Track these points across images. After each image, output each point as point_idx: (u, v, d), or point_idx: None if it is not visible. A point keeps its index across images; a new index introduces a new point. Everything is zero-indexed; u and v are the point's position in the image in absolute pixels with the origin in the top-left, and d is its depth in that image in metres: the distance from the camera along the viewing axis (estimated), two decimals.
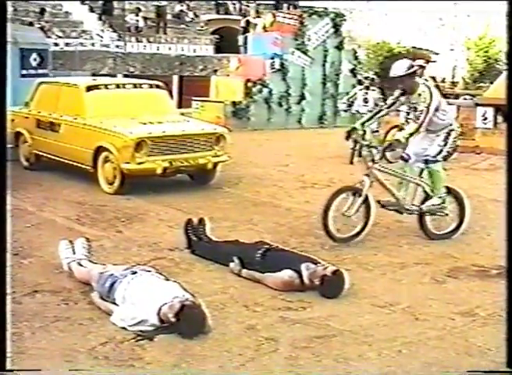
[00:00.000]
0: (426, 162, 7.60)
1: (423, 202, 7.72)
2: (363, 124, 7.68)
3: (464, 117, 15.34)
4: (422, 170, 7.70)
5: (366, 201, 7.37)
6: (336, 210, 7.27)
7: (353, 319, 5.33)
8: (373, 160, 7.44)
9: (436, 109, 7.47)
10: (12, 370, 4.22)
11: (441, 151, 7.61)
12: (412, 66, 7.51)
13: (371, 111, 13.58)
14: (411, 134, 7.51)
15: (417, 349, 4.81)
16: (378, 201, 7.60)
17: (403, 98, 7.65)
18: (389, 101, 7.82)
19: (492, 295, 5.78)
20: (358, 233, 7.47)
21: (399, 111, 13.88)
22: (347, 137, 7.72)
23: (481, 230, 8.15)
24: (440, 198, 7.68)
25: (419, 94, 7.46)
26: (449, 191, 7.84)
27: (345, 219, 7.35)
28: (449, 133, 7.65)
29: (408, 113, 7.74)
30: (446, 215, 7.79)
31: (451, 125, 7.72)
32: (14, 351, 4.55)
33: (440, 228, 7.84)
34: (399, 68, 7.50)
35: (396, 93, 7.67)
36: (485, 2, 27.76)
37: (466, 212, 7.83)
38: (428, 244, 7.58)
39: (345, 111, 15.79)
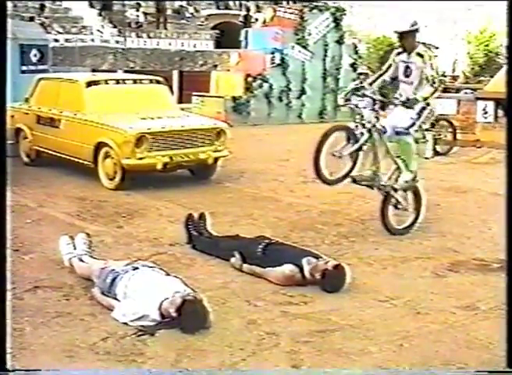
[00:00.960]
0: (397, 133, 7.41)
1: (396, 180, 7.55)
2: (370, 84, 7.59)
3: (465, 111, 15.33)
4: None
5: (358, 151, 7.19)
6: (329, 148, 7.00)
7: (354, 314, 5.34)
8: (377, 117, 7.28)
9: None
10: (12, 370, 4.22)
11: (413, 124, 7.39)
12: (416, 23, 7.38)
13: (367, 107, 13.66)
14: (428, 97, 7.28)
15: (418, 343, 4.81)
16: (351, 177, 7.35)
17: (402, 56, 7.50)
18: (387, 63, 7.71)
19: (493, 289, 5.78)
20: (346, 175, 7.26)
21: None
22: (346, 99, 7.59)
23: (482, 223, 8.15)
24: (411, 172, 7.52)
25: (418, 54, 7.34)
26: None
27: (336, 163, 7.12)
28: (424, 108, 7.39)
29: (406, 70, 7.43)
30: (406, 210, 7.69)
31: (428, 101, 7.43)
32: (16, 347, 4.56)
33: (400, 222, 7.71)
34: (403, 24, 7.40)
35: (393, 54, 7.63)
36: None
37: (422, 207, 7.73)
38: (429, 238, 7.58)
39: (343, 105, 15.76)
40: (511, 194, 4.37)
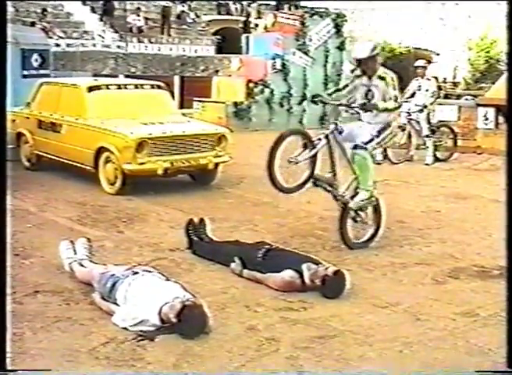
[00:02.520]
0: (355, 147, 7.21)
1: (352, 198, 7.34)
2: (329, 95, 7.58)
3: (466, 117, 15.37)
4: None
5: (314, 157, 7.07)
6: (282, 155, 6.86)
7: (354, 320, 5.34)
8: (336, 123, 7.22)
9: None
10: (12, 370, 4.22)
11: (371, 140, 7.23)
12: (375, 48, 7.30)
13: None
14: (390, 109, 7.18)
15: (418, 349, 4.81)
16: (313, 176, 7.22)
17: (363, 80, 7.36)
18: (347, 81, 7.66)
19: (493, 296, 5.78)
20: (304, 183, 7.13)
21: (400, 112, 13.96)
22: (314, 101, 7.55)
23: (482, 230, 8.15)
24: (368, 191, 7.31)
25: (380, 77, 7.23)
26: None
27: (292, 170, 6.96)
28: (385, 128, 7.31)
29: (367, 94, 7.29)
30: (365, 223, 7.48)
31: (390, 122, 7.38)
32: (15, 352, 4.56)
33: (359, 237, 7.46)
34: (362, 50, 7.30)
35: (356, 72, 7.52)
36: (487, 3, 27.78)
37: (382, 219, 7.54)
38: (429, 245, 7.59)
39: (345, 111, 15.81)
40: (511, 200, 4.37)
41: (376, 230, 7.51)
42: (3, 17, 4.51)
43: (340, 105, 7.34)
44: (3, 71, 4.69)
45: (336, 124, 7.23)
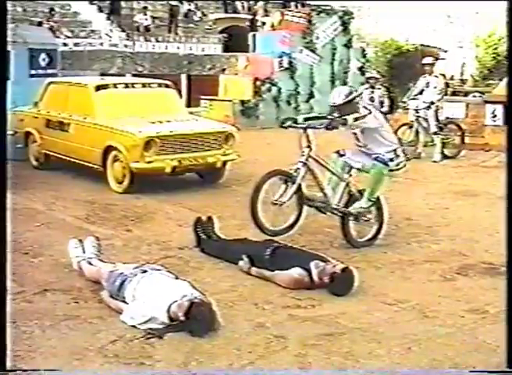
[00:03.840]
0: (376, 159, 7.22)
1: (347, 204, 7.31)
2: (306, 120, 7.42)
3: (473, 115, 15.33)
4: (350, 169, 7.35)
5: (299, 191, 7.02)
6: (265, 196, 6.87)
7: (362, 317, 5.34)
8: (309, 146, 7.11)
9: (382, 129, 7.34)
10: (12, 370, 4.23)
11: (392, 159, 7.25)
12: (351, 93, 7.21)
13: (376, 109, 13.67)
14: (357, 119, 7.07)
15: (426, 346, 4.81)
16: (305, 197, 7.20)
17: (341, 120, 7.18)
18: (326, 120, 7.35)
19: (502, 293, 5.76)
20: (292, 226, 7.13)
21: (407, 109, 13.94)
22: (283, 126, 7.44)
23: (491, 227, 8.13)
24: (371, 201, 7.30)
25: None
26: None
27: (277, 210, 6.93)
28: (397, 155, 7.32)
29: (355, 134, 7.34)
30: (369, 221, 7.46)
31: (396, 151, 7.36)
32: (24, 350, 4.58)
33: (362, 235, 7.46)
34: (338, 96, 7.18)
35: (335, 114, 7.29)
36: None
37: (384, 216, 7.53)
38: (438, 242, 7.58)
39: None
40: (511, 196, 4.36)
41: (379, 228, 7.50)
42: (3, 17, 4.51)
43: (308, 127, 7.14)
44: (3, 72, 4.71)
45: (310, 147, 7.11)
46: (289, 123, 7.39)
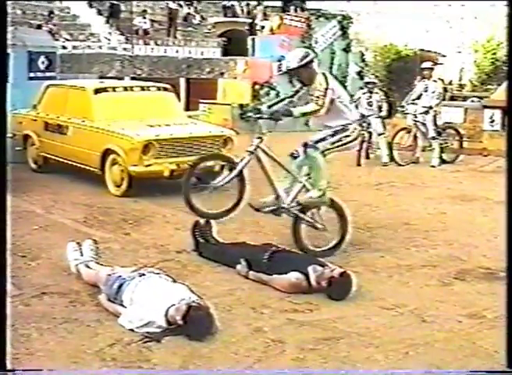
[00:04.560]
0: (304, 145, 6.98)
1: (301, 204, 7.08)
2: (269, 107, 7.22)
3: (472, 119, 15.34)
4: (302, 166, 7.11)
5: (241, 177, 6.90)
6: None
7: (360, 321, 5.34)
8: (260, 137, 6.96)
9: (338, 101, 6.97)
10: (12, 370, 4.23)
11: (324, 138, 6.97)
12: (307, 56, 6.97)
13: (374, 114, 13.70)
14: (309, 113, 6.96)
15: (424, 351, 4.82)
16: (250, 205, 7.07)
17: (303, 90, 7.12)
18: (290, 93, 7.35)
19: (500, 297, 5.76)
20: (230, 210, 6.99)
21: (406, 114, 13.95)
22: (242, 116, 7.32)
23: (489, 232, 8.14)
24: (320, 190, 6.95)
25: (320, 84, 6.91)
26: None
27: (217, 194, 6.85)
28: (343, 129, 6.98)
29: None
30: (325, 229, 7.13)
31: (349, 124, 7.04)
32: (22, 353, 4.59)
33: (318, 244, 7.13)
34: (292, 59, 6.99)
35: (297, 85, 7.25)
36: (493, 4, 27.74)
37: (348, 225, 7.19)
38: (435, 247, 7.58)
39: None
40: (511, 202, 4.37)
41: (342, 238, 7.18)
42: (3, 20, 4.51)
43: (261, 117, 7.01)
44: (3, 74, 4.71)
45: (261, 138, 6.96)
46: (249, 114, 7.25)
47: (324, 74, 7.04)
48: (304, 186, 7.09)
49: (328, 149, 7.03)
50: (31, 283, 6.07)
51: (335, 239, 7.18)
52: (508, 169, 4.50)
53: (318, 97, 6.86)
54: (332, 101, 6.91)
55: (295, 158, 7.10)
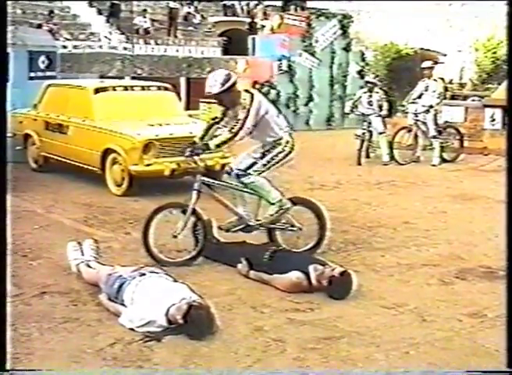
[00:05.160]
0: (237, 176, 6.86)
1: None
2: (202, 138, 7.02)
3: (472, 118, 15.35)
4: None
5: (197, 220, 6.75)
6: (157, 229, 6.64)
7: (360, 321, 5.34)
8: (202, 173, 6.85)
9: (267, 116, 6.77)
10: (12, 370, 4.24)
11: (253, 164, 6.83)
12: (228, 79, 6.64)
13: (375, 113, 13.69)
14: (224, 142, 6.75)
15: (424, 350, 4.81)
16: (219, 227, 7.00)
17: (230, 113, 6.89)
18: (219, 114, 7.08)
19: (500, 296, 5.76)
20: (194, 257, 6.74)
21: (406, 113, 13.95)
22: (188, 155, 6.90)
23: (489, 231, 8.13)
24: (274, 204, 6.85)
25: (241, 104, 6.70)
26: (303, 202, 7.10)
27: (176, 242, 6.70)
28: (273, 146, 6.85)
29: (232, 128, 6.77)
30: (300, 230, 6.97)
31: (280, 139, 6.89)
32: (23, 353, 4.58)
33: (296, 246, 6.97)
34: (213, 84, 6.65)
35: (220, 110, 7.01)
36: (494, 3, 27.73)
37: (326, 225, 7.02)
38: (436, 246, 7.58)
39: (348, 113, 15.95)
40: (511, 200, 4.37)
41: (320, 238, 7.05)
42: (3, 19, 4.51)
43: (189, 155, 6.85)
44: (4, 73, 4.71)
45: (202, 173, 6.87)
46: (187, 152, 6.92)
47: (248, 92, 6.79)
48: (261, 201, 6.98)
49: (263, 171, 6.89)
50: (32, 282, 6.07)
51: (312, 239, 7.07)
52: (508, 167, 4.51)
53: (236, 121, 6.65)
54: (260, 118, 6.69)
55: (229, 173, 6.97)
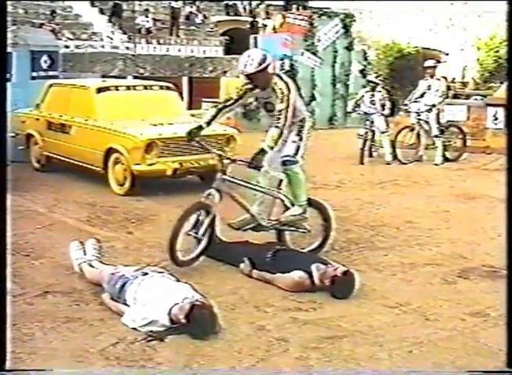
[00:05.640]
0: (284, 163, 6.63)
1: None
2: (208, 123, 6.87)
3: (475, 117, 15.34)
4: (281, 181, 6.74)
5: (213, 220, 6.51)
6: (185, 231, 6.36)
7: (363, 320, 5.33)
8: (223, 171, 6.59)
9: (295, 104, 6.57)
10: (11, 370, 4.24)
11: (298, 148, 6.63)
12: (265, 59, 6.41)
13: (377, 112, 13.68)
14: (277, 140, 6.37)
15: (427, 350, 4.81)
16: (230, 225, 6.79)
17: (254, 92, 6.68)
18: (235, 96, 6.79)
19: (503, 296, 5.75)
20: (199, 255, 6.54)
21: (409, 112, 13.93)
22: (191, 139, 6.87)
23: (492, 230, 8.12)
24: (301, 206, 6.74)
25: (273, 89, 6.48)
26: (311, 203, 6.93)
27: (189, 241, 6.49)
28: (302, 126, 6.68)
29: (267, 110, 6.65)
30: (309, 231, 6.95)
31: (303, 117, 6.75)
32: (26, 352, 4.58)
33: (302, 247, 6.97)
34: (249, 64, 6.36)
35: (244, 87, 6.71)
36: (496, 2, 27.69)
37: (332, 226, 7.01)
38: (439, 245, 7.57)
39: (350, 112, 15.95)
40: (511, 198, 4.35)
41: (325, 237, 7.05)
42: (3, 18, 4.51)
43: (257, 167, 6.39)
44: (3, 73, 4.70)
45: (224, 170, 6.61)
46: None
47: (281, 79, 6.59)
48: (283, 201, 6.84)
49: (302, 157, 6.76)
50: (34, 282, 6.07)
51: (318, 239, 7.06)
52: (509, 167, 4.48)
53: (279, 113, 6.38)
54: (295, 107, 6.52)
55: (256, 169, 6.44)
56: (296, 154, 6.68)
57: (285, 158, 6.66)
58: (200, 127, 6.87)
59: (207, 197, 6.48)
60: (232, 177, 6.67)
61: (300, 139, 6.71)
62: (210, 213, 6.45)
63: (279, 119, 6.36)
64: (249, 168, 6.40)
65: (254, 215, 6.79)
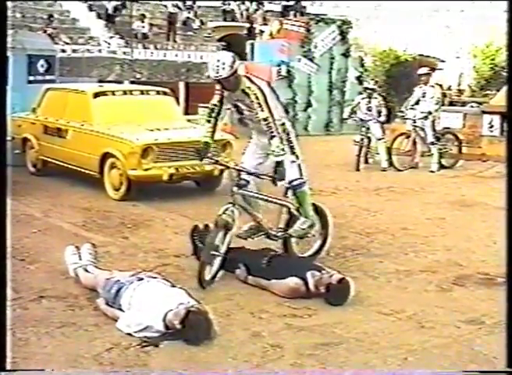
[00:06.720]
0: (294, 188, 6.61)
1: (287, 224, 6.81)
2: (212, 137, 6.83)
3: (471, 125, 15.37)
4: (287, 189, 6.68)
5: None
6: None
7: (358, 327, 5.33)
8: (239, 185, 6.47)
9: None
10: (11, 370, 4.23)
11: (299, 166, 6.61)
12: (235, 61, 6.21)
13: (373, 119, 13.69)
14: (283, 148, 6.32)
15: (422, 357, 4.81)
16: (238, 236, 6.63)
17: (225, 96, 6.55)
18: (217, 103, 6.72)
19: (498, 303, 5.76)
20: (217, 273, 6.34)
21: (405, 119, 13.95)
22: (201, 158, 6.87)
23: (487, 237, 8.14)
24: (308, 218, 6.77)
25: (245, 92, 6.34)
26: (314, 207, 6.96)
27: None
28: (288, 137, 6.56)
29: (239, 112, 6.58)
30: (313, 236, 6.99)
31: (283, 122, 6.56)
32: (20, 357, 4.57)
33: (304, 250, 7.04)
34: (221, 68, 6.17)
35: (219, 92, 6.60)
36: (492, 10, 27.80)
37: (329, 230, 7.05)
38: (434, 252, 7.58)
39: (346, 119, 15.98)
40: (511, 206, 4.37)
41: (323, 242, 7.08)
42: (3, 21, 4.51)
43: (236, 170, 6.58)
44: (3, 77, 4.70)
45: (239, 185, 6.48)
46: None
47: (252, 82, 6.41)
48: (291, 216, 6.81)
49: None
50: (29, 286, 6.06)
51: (316, 244, 7.08)
52: (508, 174, 4.50)
53: (267, 123, 6.29)
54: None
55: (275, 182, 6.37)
56: (301, 175, 6.66)
57: (294, 183, 6.63)
58: (207, 144, 6.83)
59: (226, 214, 6.30)
60: (246, 190, 6.58)
61: (297, 157, 6.66)
62: (230, 230, 6.33)
63: (270, 128, 6.28)
64: (275, 181, 6.31)
65: (262, 224, 6.75)
